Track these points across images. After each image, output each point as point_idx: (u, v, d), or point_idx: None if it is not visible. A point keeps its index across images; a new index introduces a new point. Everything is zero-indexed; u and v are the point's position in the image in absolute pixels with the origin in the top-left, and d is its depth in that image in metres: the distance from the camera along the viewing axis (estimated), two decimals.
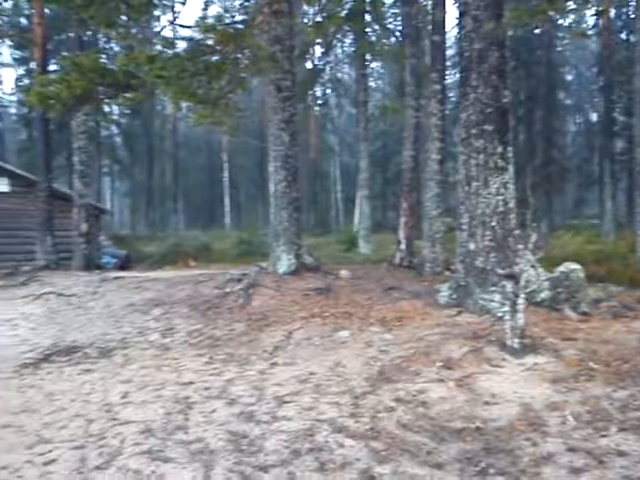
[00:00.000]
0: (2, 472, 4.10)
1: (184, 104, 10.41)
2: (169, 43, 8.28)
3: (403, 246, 13.86)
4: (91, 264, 15.72)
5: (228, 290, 9.57)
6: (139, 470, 3.97)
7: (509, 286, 5.77)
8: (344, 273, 11.00)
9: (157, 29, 20.39)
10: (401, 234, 14.03)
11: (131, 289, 10.88)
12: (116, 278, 12.26)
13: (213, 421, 4.70)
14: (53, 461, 4.23)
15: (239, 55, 8.12)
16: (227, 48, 7.68)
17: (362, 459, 3.96)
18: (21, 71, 38.67)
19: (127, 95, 9.06)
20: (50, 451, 4.40)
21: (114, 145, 40.06)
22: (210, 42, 7.89)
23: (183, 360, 6.52)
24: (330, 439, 4.26)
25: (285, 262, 10.46)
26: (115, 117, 38.14)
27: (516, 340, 5.65)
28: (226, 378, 5.78)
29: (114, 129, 40.35)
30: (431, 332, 6.55)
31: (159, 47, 10.11)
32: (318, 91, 37.47)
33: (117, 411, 5.09)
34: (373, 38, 20.35)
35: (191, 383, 5.66)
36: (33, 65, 30.44)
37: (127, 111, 34.85)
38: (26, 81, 37.27)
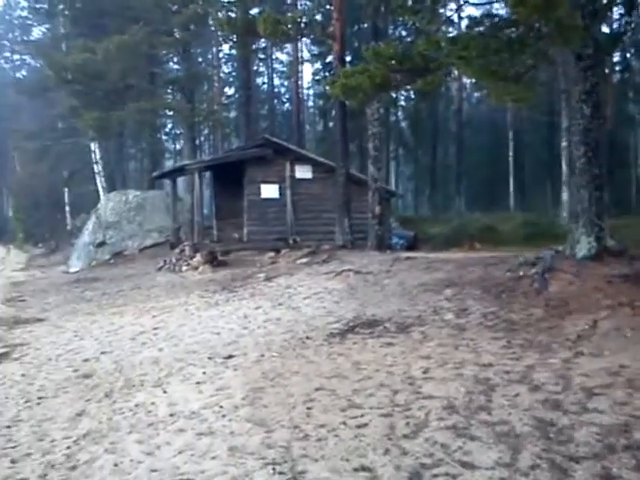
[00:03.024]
0: (321, 430, 4.56)
1: (472, 82, 10.22)
2: (474, 22, 8.21)
3: None
4: (383, 244, 16.56)
5: (521, 274, 9.25)
6: (446, 444, 4.09)
7: None
8: None
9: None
10: None
11: (421, 269, 11.18)
12: (407, 258, 12.71)
13: (517, 405, 4.63)
14: (365, 425, 4.58)
15: (543, 27, 7.69)
16: (531, 20, 7.33)
17: None
18: (317, 65, 42.18)
19: (424, 79, 9.27)
20: (362, 416, 4.77)
21: (401, 130, 41.49)
22: (514, 17, 7.61)
23: (480, 341, 6.52)
24: None
25: (585, 245, 9.73)
26: (402, 103, 39.53)
27: None
28: (526, 364, 5.63)
29: (400, 114, 41.77)
30: None
31: (450, 28, 10.10)
32: (617, 56, 33.89)
33: (419, 385, 5.30)
34: None
35: (490, 365, 5.65)
36: (330, 59, 33.05)
37: (413, 96, 35.75)
38: (322, 75, 40.60)
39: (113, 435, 4.94)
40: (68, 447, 4.80)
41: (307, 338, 7.61)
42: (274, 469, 3.95)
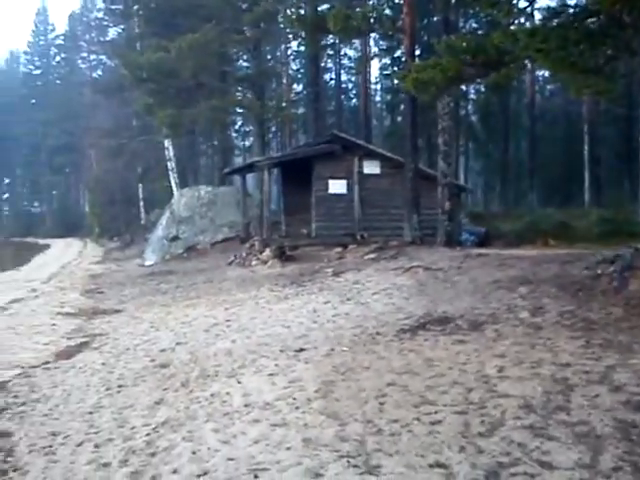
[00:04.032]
0: (394, 425, 4.56)
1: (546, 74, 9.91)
2: (552, 13, 7.96)
3: None
4: (453, 241, 16.27)
5: (599, 272, 8.93)
6: (523, 443, 4.02)
7: None
8: None
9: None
10: None
11: (494, 266, 10.96)
12: (479, 255, 12.49)
13: (597, 406, 4.49)
14: (439, 422, 4.55)
15: (625, 17, 7.36)
16: (612, 10, 7.04)
17: None
18: (385, 60, 41.93)
19: (498, 73, 9.07)
20: (435, 412, 4.73)
21: (471, 124, 40.69)
22: (595, 7, 7.32)
23: (557, 341, 6.34)
24: None
25: None
26: (472, 96, 38.77)
27: None
28: (606, 364, 5.43)
29: (470, 108, 41.00)
30: None
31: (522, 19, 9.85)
32: None
33: (494, 383, 5.22)
34: None
35: (568, 365, 5.48)
36: (399, 53, 32.80)
37: (484, 89, 35.01)
38: (390, 69, 40.34)
39: (190, 424, 5.09)
40: (148, 434, 4.98)
41: (377, 334, 7.60)
42: (348, 462, 3.98)
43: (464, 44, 8.51)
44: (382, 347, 6.91)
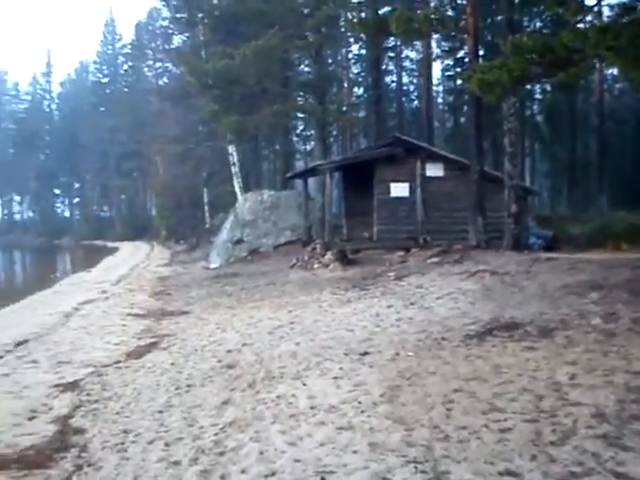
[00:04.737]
0: (462, 432, 4.50)
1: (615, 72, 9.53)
2: (624, 10, 7.66)
3: None
4: (520, 244, 15.84)
5: None
6: (597, 453, 3.92)
7: None
8: None
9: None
10: None
11: (563, 270, 10.65)
12: (547, 259, 12.16)
13: None
14: (508, 430, 4.47)
15: None
16: None
17: None
18: (448, 61, 41.43)
19: (566, 72, 8.81)
20: (504, 420, 4.66)
21: (536, 124, 39.68)
22: None
23: (630, 348, 6.11)
24: None
25: None
26: (537, 96, 37.85)
27: None
28: None
29: (535, 107, 40.04)
30: None
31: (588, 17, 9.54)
32: None
33: (566, 391, 5.09)
34: None
35: None
36: (461, 54, 32.36)
37: (549, 88, 34.12)
38: (453, 70, 39.85)
39: (257, 424, 5.16)
40: (216, 434, 5.07)
41: (442, 339, 7.51)
42: (416, 467, 3.96)
43: (530, 43, 8.32)
44: (448, 352, 6.83)
